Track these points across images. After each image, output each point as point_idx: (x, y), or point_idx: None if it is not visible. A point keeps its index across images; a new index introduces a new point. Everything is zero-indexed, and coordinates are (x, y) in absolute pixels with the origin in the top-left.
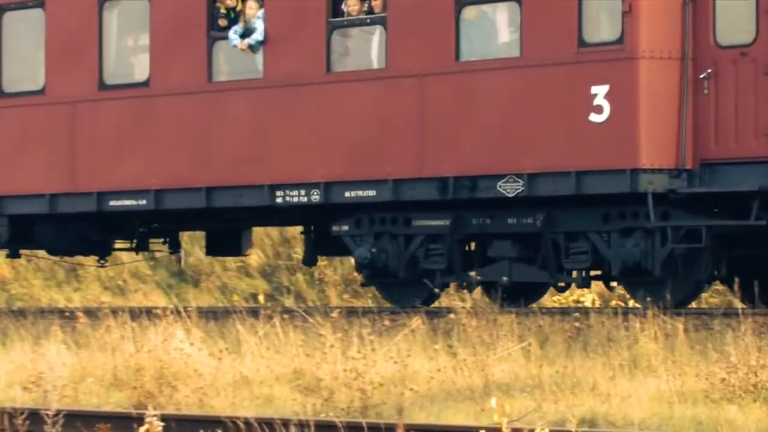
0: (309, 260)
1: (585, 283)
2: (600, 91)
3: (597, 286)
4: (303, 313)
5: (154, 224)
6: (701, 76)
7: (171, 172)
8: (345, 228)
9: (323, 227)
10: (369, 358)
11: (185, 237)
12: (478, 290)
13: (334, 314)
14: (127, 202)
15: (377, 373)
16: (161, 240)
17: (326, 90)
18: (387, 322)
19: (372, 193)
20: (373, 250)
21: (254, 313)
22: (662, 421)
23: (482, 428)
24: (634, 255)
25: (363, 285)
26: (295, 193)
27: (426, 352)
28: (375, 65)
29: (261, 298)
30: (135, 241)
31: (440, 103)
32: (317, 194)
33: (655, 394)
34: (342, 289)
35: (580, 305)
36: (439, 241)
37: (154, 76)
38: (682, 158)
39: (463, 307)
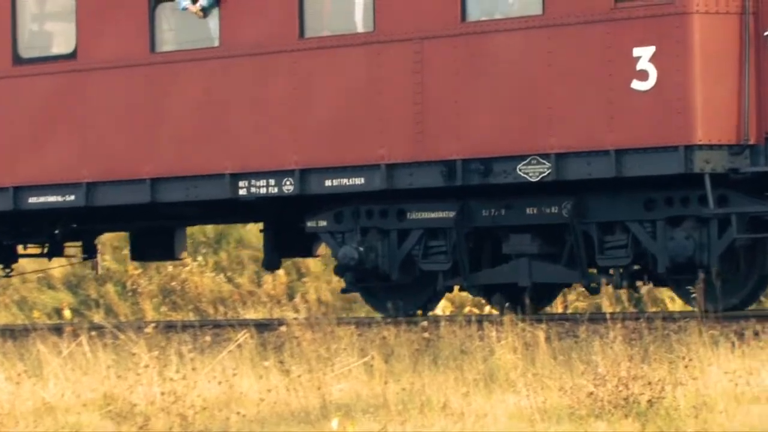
0: (270, 263)
1: (624, 283)
2: (644, 54)
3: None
4: (114, 329)
5: (72, 225)
6: (765, 33)
7: (106, 162)
8: (323, 224)
9: (290, 223)
10: (190, 379)
11: None
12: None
13: (149, 330)
14: (52, 199)
15: (199, 396)
16: (77, 243)
17: (300, 59)
18: (209, 338)
19: (359, 181)
20: (361, 248)
21: (58, 330)
22: None
23: None
24: (686, 248)
25: (344, 291)
26: (263, 183)
27: (255, 371)
28: (360, 28)
29: (66, 312)
30: (47, 245)
31: (443, 72)
32: (290, 184)
33: (515, 411)
34: (159, 301)
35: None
36: (440, 237)
37: (83, 46)
38: (745, 132)
39: (296, 318)
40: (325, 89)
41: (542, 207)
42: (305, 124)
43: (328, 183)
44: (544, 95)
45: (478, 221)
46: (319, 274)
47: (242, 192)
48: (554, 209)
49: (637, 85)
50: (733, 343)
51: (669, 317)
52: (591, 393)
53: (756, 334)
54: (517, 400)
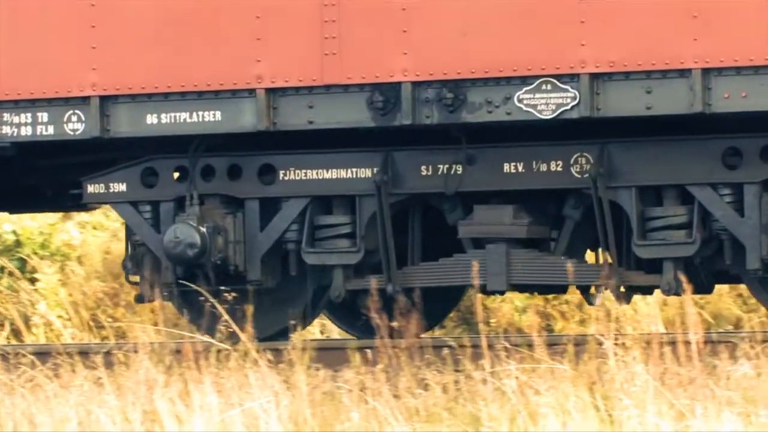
0: None
1: (678, 288)
2: None
3: None
4: None
5: None
6: None
7: None
8: (119, 188)
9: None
10: None
11: None
12: None
13: None
14: None
15: None
16: None
17: None
18: None
19: (213, 117)
20: (204, 229)
21: None
22: None
23: None
24: None
25: (141, 300)
26: (27, 118)
27: None
28: None
29: None
30: None
31: None
32: (79, 120)
33: None
34: None
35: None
36: (341, 211)
37: None
38: None
39: None
40: None
41: (534, 161)
42: (115, 20)
43: (151, 120)
44: None
45: (413, 185)
46: None
47: None
48: (557, 165)
49: None
50: None
51: None
52: None
53: None
54: None
